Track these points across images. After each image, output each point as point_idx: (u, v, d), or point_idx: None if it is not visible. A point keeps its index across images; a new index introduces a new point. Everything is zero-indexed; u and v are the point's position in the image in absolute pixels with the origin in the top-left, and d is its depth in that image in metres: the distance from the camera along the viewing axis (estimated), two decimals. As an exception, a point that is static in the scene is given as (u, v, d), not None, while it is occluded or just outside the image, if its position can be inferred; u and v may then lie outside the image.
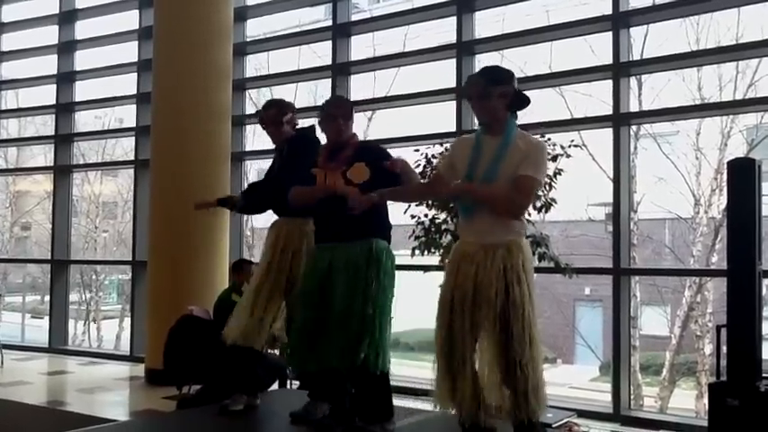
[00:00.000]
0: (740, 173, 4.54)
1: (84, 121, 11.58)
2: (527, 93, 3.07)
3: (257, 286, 3.84)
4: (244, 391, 4.05)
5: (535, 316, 2.92)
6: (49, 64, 9.75)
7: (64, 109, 9.59)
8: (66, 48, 9.59)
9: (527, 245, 3.03)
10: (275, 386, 5.53)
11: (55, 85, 9.60)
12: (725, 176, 4.92)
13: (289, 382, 5.75)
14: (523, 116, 3.27)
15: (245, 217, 9.20)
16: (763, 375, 4.44)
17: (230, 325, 3.87)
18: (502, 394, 2.92)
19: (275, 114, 3.95)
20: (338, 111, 3.54)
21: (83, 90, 9.70)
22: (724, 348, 4.57)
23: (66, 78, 9.58)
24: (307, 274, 3.56)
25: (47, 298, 10.71)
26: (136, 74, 8.85)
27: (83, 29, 9.68)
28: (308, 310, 3.45)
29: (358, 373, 3.33)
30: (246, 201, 4.20)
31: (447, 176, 3.17)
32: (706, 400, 4.80)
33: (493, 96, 2.96)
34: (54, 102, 9.61)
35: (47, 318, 9.81)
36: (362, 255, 3.35)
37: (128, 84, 9.07)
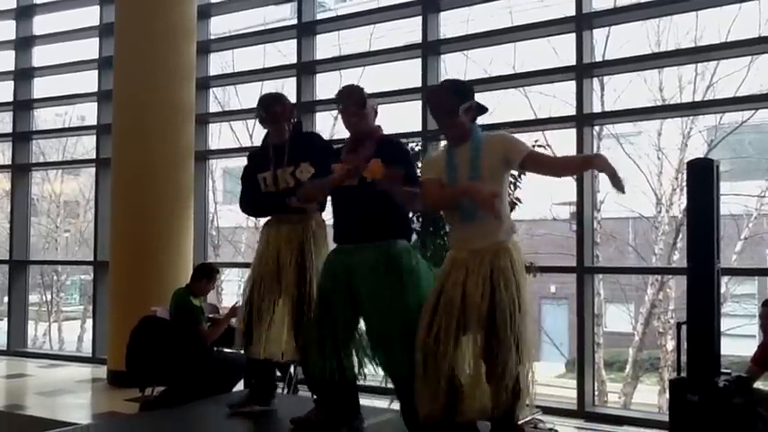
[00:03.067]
0: (699, 173, 4.63)
1: (45, 118, 11.35)
2: (491, 93, 3.10)
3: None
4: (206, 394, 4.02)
5: (525, 318, 2.91)
6: (7, 60, 9.52)
7: (22, 106, 9.38)
8: (23, 43, 9.38)
9: (517, 246, 3.02)
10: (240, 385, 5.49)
11: (12, 82, 9.39)
12: (686, 176, 5.01)
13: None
14: (488, 116, 3.29)
15: (210, 216, 9.12)
16: (722, 371, 4.53)
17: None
18: (484, 395, 2.93)
19: (284, 109, 3.77)
20: (348, 100, 3.38)
21: (42, 87, 9.50)
22: (685, 345, 4.66)
23: (24, 75, 9.37)
24: (324, 278, 3.40)
25: (5, 299, 10.47)
26: (97, 71, 8.69)
27: (41, 24, 9.48)
28: (327, 315, 3.29)
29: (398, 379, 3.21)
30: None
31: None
32: (668, 396, 4.88)
33: (459, 114, 3.01)
34: (12, 98, 9.40)
35: (5, 319, 9.60)
36: (381, 258, 3.21)
37: (89, 81, 8.91)
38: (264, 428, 3.74)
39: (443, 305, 2.94)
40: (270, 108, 3.74)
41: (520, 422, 3.11)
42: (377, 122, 3.47)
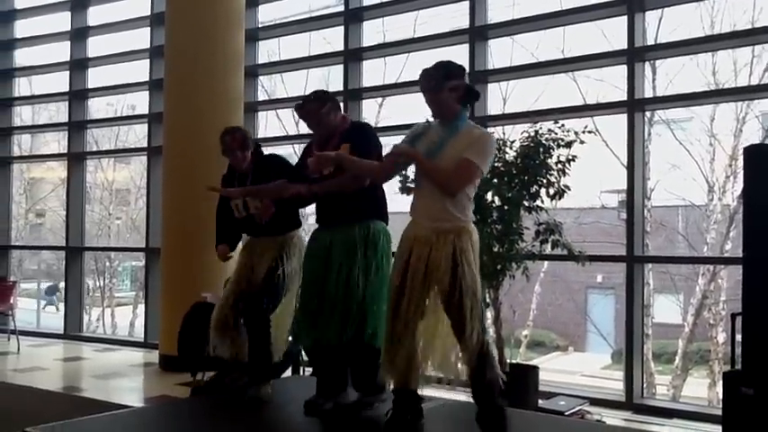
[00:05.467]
0: (756, 159, 4.48)
1: (97, 107, 11.63)
2: (539, 78, 3.07)
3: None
4: (255, 380, 4.09)
5: (478, 294, 3.19)
6: (62, 51, 9.78)
7: (77, 96, 9.62)
8: (78, 34, 9.61)
9: (474, 230, 3.28)
10: (288, 372, 5.56)
11: (68, 72, 9.63)
12: (740, 163, 4.87)
13: (301, 368, 5.77)
14: (536, 102, 3.28)
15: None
16: (779, 364, 4.40)
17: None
18: (453, 363, 3.22)
19: (233, 138, 4.27)
20: (301, 113, 3.76)
21: (95, 77, 9.72)
22: (738, 337, 4.54)
23: (79, 65, 9.60)
24: (308, 255, 3.75)
25: (62, 284, 10.79)
26: (148, 60, 8.85)
27: (95, 15, 9.69)
28: (311, 289, 3.63)
29: (354, 348, 3.53)
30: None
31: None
32: (719, 389, 4.79)
33: (444, 89, 3.20)
34: (67, 89, 9.65)
35: (62, 304, 9.90)
36: (360, 236, 3.54)
37: (140, 70, 9.09)
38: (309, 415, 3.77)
39: (410, 282, 3.15)
40: (221, 139, 4.26)
41: (568, 412, 3.13)
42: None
